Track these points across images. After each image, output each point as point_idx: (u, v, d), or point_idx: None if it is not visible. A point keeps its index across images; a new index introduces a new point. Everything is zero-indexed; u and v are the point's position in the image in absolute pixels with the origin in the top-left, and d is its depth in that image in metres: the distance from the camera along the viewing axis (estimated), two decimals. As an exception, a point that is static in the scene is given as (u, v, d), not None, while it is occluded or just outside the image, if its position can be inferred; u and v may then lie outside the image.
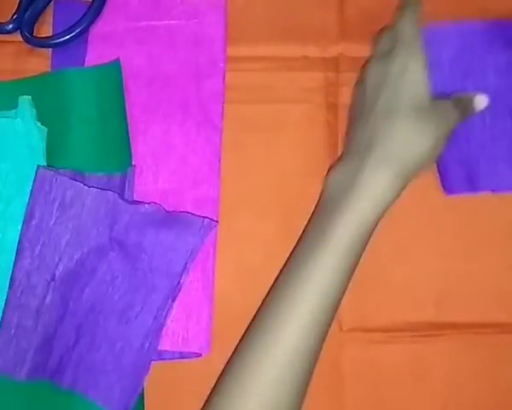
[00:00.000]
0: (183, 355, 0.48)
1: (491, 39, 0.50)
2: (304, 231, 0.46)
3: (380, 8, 0.53)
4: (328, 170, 0.47)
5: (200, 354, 0.48)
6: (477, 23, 0.50)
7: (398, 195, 0.44)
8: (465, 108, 0.47)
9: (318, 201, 0.47)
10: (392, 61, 0.46)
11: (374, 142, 0.45)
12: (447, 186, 0.50)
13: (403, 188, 0.44)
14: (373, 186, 0.43)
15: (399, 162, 0.44)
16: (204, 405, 0.43)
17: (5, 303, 0.46)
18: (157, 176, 0.51)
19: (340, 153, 0.51)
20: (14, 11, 0.53)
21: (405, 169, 0.44)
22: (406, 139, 0.44)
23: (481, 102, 0.47)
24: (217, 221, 0.50)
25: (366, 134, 0.45)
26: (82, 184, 0.47)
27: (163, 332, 0.48)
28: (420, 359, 0.49)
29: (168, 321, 0.48)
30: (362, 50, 0.53)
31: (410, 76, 0.46)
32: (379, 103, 0.46)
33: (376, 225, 0.44)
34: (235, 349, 0.44)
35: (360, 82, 0.49)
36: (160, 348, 0.47)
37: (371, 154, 0.44)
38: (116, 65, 0.51)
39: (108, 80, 0.51)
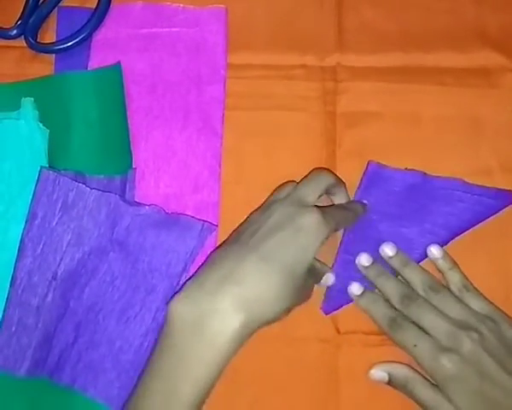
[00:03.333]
0: (182, 356, 0.48)
1: (431, 193, 0.50)
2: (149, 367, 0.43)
3: (377, 18, 0.55)
4: (175, 294, 0.43)
5: (199, 356, 0.48)
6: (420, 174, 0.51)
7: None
8: (317, 278, 0.48)
9: (163, 330, 0.43)
10: (304, 213, 0.44)
11: (232, 281, 0.42)
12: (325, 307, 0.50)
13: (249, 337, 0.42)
14: (221, 338, 0.41)
15: (254, 315, 0.42)
16: None
17: (7, 301, 0.47)
18: (158, 181, 0.52)
19: (337, 160, 0.52)
20: (18, 17, 0.54)
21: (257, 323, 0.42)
22: (267, 294, 0.42)
23: (329, 279, 0.48)
24: (216, 225, 0.50)
25: (226, 264, 0.43)
26: (84, 186, 0.48)
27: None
28: (415, 362, 0.49)
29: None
30: (359, 60, 0.54)
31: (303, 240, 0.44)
32: (263, 245, 0.43)
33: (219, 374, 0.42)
34: None
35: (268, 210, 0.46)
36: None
37: (225, 297, 0.41)
38: (117, 68, 0.52)
39: (109, 83, 0.52)
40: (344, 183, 0.50)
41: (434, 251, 0.49)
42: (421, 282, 0.48)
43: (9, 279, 0.47)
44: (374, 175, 0.51)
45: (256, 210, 0.48)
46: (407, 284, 0.48)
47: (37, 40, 0.54)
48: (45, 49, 0.54)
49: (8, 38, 0.54)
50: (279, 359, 0.48)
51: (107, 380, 0.47)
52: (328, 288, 0.49)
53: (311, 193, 0.47)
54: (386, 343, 0.49)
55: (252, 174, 0.52)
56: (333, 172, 0.50)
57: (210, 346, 0.41)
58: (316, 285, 0.49)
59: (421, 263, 0.49)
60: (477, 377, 0.44)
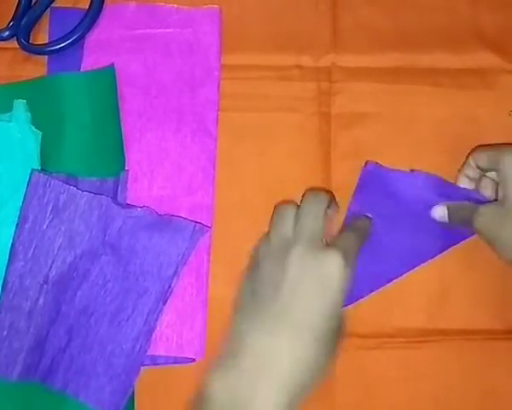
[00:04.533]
0: (176, 360, 0.48)
1: (422, 190, 0.50)
2: None
3: (372, 18, 0.54)
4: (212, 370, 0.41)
5: (194, 360, 0.48)
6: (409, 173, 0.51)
7: None
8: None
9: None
10: (301, 261, 0.42)
11: (270, 364, 0.40)
12: None
13: None
14: None
15: (296, 393, 0.40)
16: None
17: (-2, 305, 0.46)
18: (152, 183, 0.51)
19: (332, 161, 0.52)
20: (10, 18, 0.53)
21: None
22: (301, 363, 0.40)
23: None
24: (209, 227, 0.50)
25: (258, 341, 0.41)
26: (75, 188, 0.48)
27: (157, 337, 0.48)
28: (410, 365, 0.49)
29: (163, 326, 0.48)
30: (354, 60, 0.54)
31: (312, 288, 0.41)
32: (276, 309, 0.41)
33: None
34: None
35: (254, 268, 0.44)
36: (154, 353, 0.48)
37: (265, 381, 0.39)
38: (110, 70, 0.52)
39: (103, 85, 0.52)
40: (332, 194, 0.49)
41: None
42: None
43: (1, 283, 0.46)
44: (371, 175, 0.50)
45: (258, 246, 0.45)
46: None
47: (30, 41, 0.53)
48: (38, 50, 0.53)
49: (1, 40, 0.53)
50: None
51: (98, 385, 0.46)
52: None
53: (317, 224, 0.44)
54: (381, 346, 0.49)
55: (246, 176, 0.52)
56: (323, 189, 0.49)
57: None
58: None
59: (423, 265, 0.49)
60: None
